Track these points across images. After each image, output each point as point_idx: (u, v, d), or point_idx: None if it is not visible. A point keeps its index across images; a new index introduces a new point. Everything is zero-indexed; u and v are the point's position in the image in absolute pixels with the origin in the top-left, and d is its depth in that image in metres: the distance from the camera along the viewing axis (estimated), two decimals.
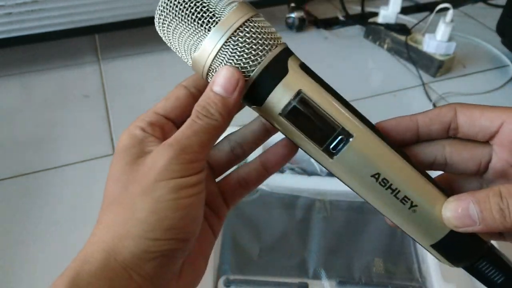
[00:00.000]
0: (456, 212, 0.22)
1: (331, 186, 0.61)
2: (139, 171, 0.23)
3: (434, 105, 0.87)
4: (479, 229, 0.22)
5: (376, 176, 0.23)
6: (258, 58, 0.23)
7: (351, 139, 0.23)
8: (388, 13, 1.04)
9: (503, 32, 1.02)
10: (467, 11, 1.21)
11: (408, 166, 0.24)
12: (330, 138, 0.23)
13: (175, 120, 0.26)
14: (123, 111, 0.86)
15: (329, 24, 1.15)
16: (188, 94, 0.26)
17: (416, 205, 0.23)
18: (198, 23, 0.23)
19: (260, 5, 1.08)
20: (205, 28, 0.23)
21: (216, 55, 0.23)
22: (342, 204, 0.60)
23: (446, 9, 0.91)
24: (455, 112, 0.25)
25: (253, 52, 0.23)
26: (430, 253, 0.26)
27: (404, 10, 1.09)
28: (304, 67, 0.24)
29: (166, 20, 0.24)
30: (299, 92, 0.23)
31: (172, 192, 0.22)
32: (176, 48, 0.25)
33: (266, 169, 0.29)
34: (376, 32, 1.07)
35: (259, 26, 0.23)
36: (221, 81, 0.23)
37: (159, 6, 0.24)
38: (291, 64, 0.23)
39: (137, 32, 1.02)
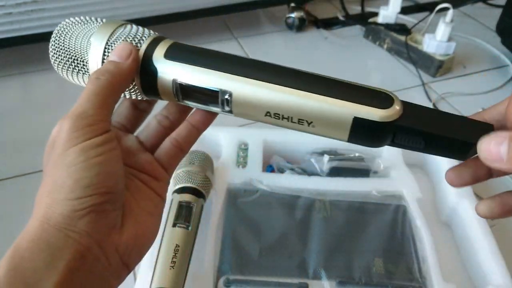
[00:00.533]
0: (488, 144, 0.22)
1: (331, 186, 0.61)
2: (54, 149, 0.25)
3: (434, 105, 0.87)
4: (505, 168, 0.22)
5: (268, 113, 0.27)
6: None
7: (232, 95, 0.27)
8: (388, 13, 1.04)
9: (503, 32, 1.02)
10: (467, 11, 1.21)
11: (292, 91, 0.26)
12: (218, 101, 0.27)
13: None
14: None
15: (329, 24, 1.15)
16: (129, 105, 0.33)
17: (311, 122, 0.27)
18: (79, 72, 0.29)
19: (260, 5, 1.08)
20: (84, 72, 0.29)
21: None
22: (342, 204, 0.60)
23: (446, 9, 0.91)
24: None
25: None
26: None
27: (404, 10, 1.09)
28: (172, 54, 0.28)
29: (57, 67, 0.30)
30: (174, 81, 0.27)
31: (80, 154, 0.24)
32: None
33: (196, 127, 0.31)
34: (376, 32, 1.07)
35: (126, 30, 0.29)
36: (116, 51, 0.27)
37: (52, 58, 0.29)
38: (157, 58, 0.27)
39: None
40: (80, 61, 0.28)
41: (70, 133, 0.24)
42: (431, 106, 0.87)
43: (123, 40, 0.28)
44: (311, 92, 0.26)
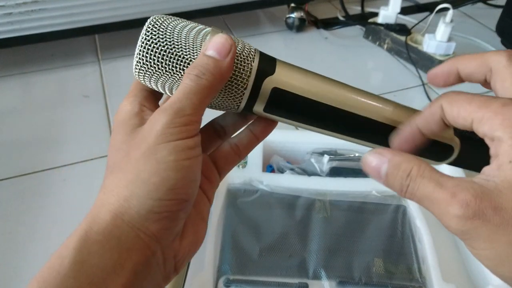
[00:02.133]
0: (372, 163, 0.24)
1: (331, 186, 0.61)
2: (138, 138, 0.24)
3: None
4: (381, 183, 0.24)
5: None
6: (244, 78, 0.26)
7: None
8: (388, 13, 1.04)
9: (503, 32, 1.02)
10: (466, 11, 1.21)
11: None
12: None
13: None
14: None
15: (329, 24, 1.15)
16: None
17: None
18: (178, 72, 0.25)
19: (260, 5, 1.08)
20: (182, 72, 0.25)
21: None
22: (342, 204, 0.60)
23: (446, 9, 0.91)
24: (442, 109, 0.24)
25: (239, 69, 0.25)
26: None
27: (404, 10, 1.09)
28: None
29: (145, 72, 0.26)
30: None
31: (173, 153, 0.23)
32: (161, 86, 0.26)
33: (256, 136, 0.30)
34: (376, 32, 1.07)
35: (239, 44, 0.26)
36: (215, 45, 0.24)
37: (137, 57, 0.25)
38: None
39: (137, 32, 1.01)
40: (184, 60, 0.25)
41: (165, 128, 0.23)
42: None
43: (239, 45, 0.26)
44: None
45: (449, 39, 0.93)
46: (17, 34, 0.89)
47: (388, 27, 1.03)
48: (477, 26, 1.16)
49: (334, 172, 0.64)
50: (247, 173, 0.62)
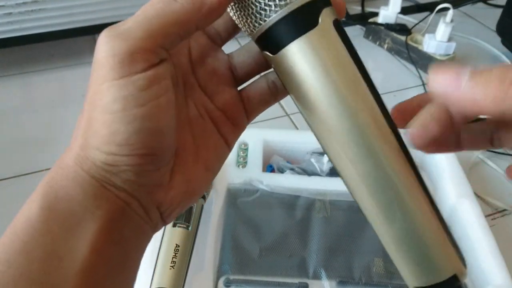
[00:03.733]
0: (444, 78, 0.19)
1: (331, 186, 0.61)
2: (91, 74, 0.20)
3: None
4: (456, 97, 0.18)
5: None
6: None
7: None
8: (388, 13, 1.04)
9: (503, 32, 1.02)
10: (467, 11, 1.21)
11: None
12: None
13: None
14: None
15: None
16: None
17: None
18: None
19: None
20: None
21: None
22: (342, 204, 0.60)
23: (446, 9, 0.91)
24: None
25: None
26: None
27: (404, 10, 1.09)
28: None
29: None
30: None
31: (118, 100, 0.18)
32: None
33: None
34: (376, 32, 1.07)
35: None
36: None
37: None
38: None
39: None
40: None
41: (105, 58, 0.18)
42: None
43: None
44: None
45: (449, 39, 0.93)
46: (17, 34, 0.89)
47: (388, 27, 1.03)
48: (477, 26, 1.16)
49: (334, 172, 0.63)
50: (247, 173, 0.62)
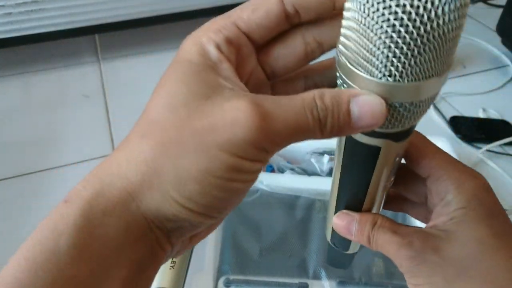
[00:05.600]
0: (342, 222, 0.27)
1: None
2: (207, 116, 0.17)
3: (435, 105, 0.87)
4: (353, 240, 0.27)
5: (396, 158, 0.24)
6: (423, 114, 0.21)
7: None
8: None
9: (503, 32, 1.02)
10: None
11: None
12: (395, 173, 0.26)
13: (256, 41, 0.20)
14: (123, 111, 0.86)
15: None
16: (281, 11, 0.19)
17: None
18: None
19: None
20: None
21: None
22: None
23: None
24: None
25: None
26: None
27: None
28: None
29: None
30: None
31: (230, 170, 0.17)
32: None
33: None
34: None
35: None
36: (366, 107, 0.18)
37: None
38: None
39: (137, 32, 1.02)
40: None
41: (245, 141, 0.17)
42: (431, 106, 0.87)
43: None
44: None
45: None
46: (17, 34, 0.89)
47: None
48: (477, 26, 1.16)
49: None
50: None
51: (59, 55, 1.02)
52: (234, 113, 0.17)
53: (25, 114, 0.87)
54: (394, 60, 0.17)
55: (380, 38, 0.16)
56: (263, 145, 0.17)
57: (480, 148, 0.78)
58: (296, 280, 0.52)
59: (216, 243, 0.55)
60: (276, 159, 0.67)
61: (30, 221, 0.65)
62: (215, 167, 0.17)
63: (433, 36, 0.16)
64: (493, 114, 0.86)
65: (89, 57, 1.03)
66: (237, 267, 0.53)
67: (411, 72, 0.17)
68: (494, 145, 0.78)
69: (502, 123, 0.84)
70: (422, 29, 0.16)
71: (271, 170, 0.67)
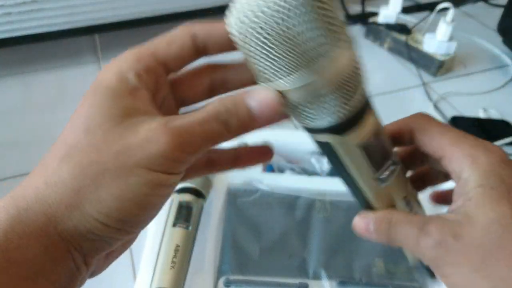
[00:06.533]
0: (360, 224, 0.27)
1: (331, 186, 0.61)
2: (123, 139, 0.19)
3: (435, 105, 0.87)
4: (374, 239, 0.27)
5: (406, 198, 0.27)
6: (355, 103, 0.22)
7: (397, 168, 0.26)
8: (389, 13, 1.04)
9: (504, 32, 1.02)
10: (467, 11, 1.20)
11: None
12: (384, 166, 0.25)
13: (171, 70, 0.22)
14: None
15: None
16: (193, 47, 0.22)
17: None
18: (333, 35, 0.20)
19: None
20: (335, 42, 0.20)
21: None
22: (342, 204, 0.60)
23: (446, 8, 0.91)
24: (412, 133, 0.26)
25: (355, 91, 0.22)
26: None
27: (405, 10, 1.09)
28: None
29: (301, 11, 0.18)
30: (378, 124, 0.24)
31: (147, 185, 0.19)
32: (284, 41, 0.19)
33: (236, 161, 0.26)
34: (376, 32, 1.07)
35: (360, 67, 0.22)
36: (263, 101, 0.20)
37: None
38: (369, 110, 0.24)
39: (137, 32, 1.02)
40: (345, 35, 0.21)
41: (159, 155, 0.19)
42: (431, 106, 0.87)
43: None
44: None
45: (450, 39, 0.93)
46: (17, 34, 0.89)
47: (389, 26, 1.03)
48: (478, 25, 1.16)
49: (335, 172, 0.63)
50: (247, 173, 0.62)
51: (59, 55, 1.02)
52: (147, 133, 0.19)
53: (25, 114, 0.87)
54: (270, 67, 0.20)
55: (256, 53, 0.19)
56: (176, 156, 0.19)
57: None
58: (296, 280, 0.52)
59: (216, 243, 0.55)
60: (276, 159, 0.67)
61: None
62: (134, 183, 0.19)
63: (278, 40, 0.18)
64: (494, 114, 0.86)
65: (89, 57, 1.03)
66: (237, 267, 0.53)
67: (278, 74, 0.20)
68: None
69: (503, 123, 0.84)
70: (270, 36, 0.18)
71: (271, 170, 0.67)
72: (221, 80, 0.24)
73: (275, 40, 0.18)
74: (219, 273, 0.52)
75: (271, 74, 0.20)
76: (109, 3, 0.91)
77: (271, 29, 0.18)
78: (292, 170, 0.65)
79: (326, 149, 0.24)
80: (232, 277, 0.51)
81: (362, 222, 0.27)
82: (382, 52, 1.05)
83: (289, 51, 0.19)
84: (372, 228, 0.26)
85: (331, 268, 0.53)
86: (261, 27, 0.18)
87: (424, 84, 0.93)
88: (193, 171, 0.25)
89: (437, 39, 0.93)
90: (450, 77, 0.96)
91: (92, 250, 0.20)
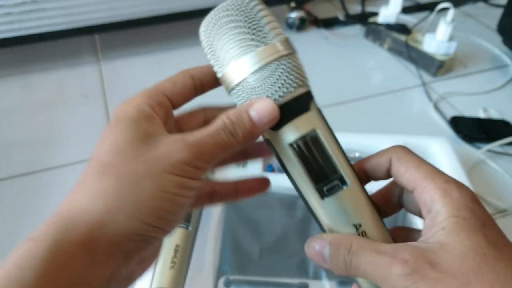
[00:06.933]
0: (314, 248, 0.25)
1: None
2: (149, 153, 0.23)
3: (435, 105, 0.87)
4: (328, 268, 0.25)
5: (358, 226, 0.25)
6: (291, 89, 0.24)
7: (345, 187, 0.25)
8: (389, 13, 1.04)
9: (504, 32, 1.02)
10: (467, 11, 1.20)
11: (379, 218, 0.26)
12: (327, 180, 0.25)
13: (176, 106, 0.27)
14: None
15: (329, 24, 1.15)
16: (193, 85, 0.27)
17: None
18: (251, 38, 0.24)
19: None
20: (254, 45, 0.24)
21: (255, 70, 0.24)
22: None
23: (446, 8, 0.91)
24: (390, 163, 0.26)
25: (287, 82, 0.24)
26: None
27: (405, 10, 1.09)
28: (320, 112, 0.26)
29: (223, 22, 0.25)
30: (313, 130, 0.25)
31: (177, 187, 0.22)
32: (216, 52, 0.26)
33: (237, 193, 0.30)
34: (376, 32, 1.07)
35: (295, 64, 0.25)
36: (261, 110, 0.24)
37: (220, 9, 0.25)
38: (312, 105, 0.25)
39: (137, 32, 1.02)
40: (264, 33, 0.25)
41: (182, 163, 0.22)
42: (431, 106, 0.87)
43: (273, 83, 0.24)
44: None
45: (450, 39, 0.93)
46: (17, 34, 0.89)
47: (389, 26, 1.03)
48: (478, 25, 1.16)
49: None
50: (247, 173, 0.62)
51: (59, 55, 1.02)
52: (168, 147, 0.23)
53: (25, 114, 0.87)
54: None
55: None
56: (195, 163, 0.23)
57: (480, 148, 0.78)
58: (296, 280, 0.52)
59: (216, 243, 0.55)
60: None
61: (30, 221, 0.65)
62: (165, 185, 0.22)
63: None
64: (494, 114, 0.86)
65: (89, 57, 1.03)
66: (237, 267, 0.53)
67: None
68: (494, 145, 0.77)
69: (503, 123, 0.84)
70: None
71: (271, 170, 0.67)
72: (213, 116, 0.27)
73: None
74: (219, 273, 0.52)
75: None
76: (109, 3, 0.91)
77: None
78: None
79: (270, 148, 0.26)
80: (232, 277, 0.51)
81: (315, 245, 0.25)
82: (382, 52, 1.05)
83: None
84: (327, 254, 0.25)
85: None
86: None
87: (424, 84, 0.93)
88: (197, 202, 0.29)
89: (437, 39, 0.93)
90: (450, 77, 0.96)
91: (133, 249, 0.22)
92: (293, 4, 1.11)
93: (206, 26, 0.26)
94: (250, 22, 0.25)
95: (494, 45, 1.05)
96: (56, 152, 0.77)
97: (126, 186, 0.22)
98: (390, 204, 0.28)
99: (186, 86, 0.26)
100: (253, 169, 0.63)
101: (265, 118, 0.24)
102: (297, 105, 0.25)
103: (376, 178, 0.27)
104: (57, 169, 0.74)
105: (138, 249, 0.23)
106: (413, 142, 0.67)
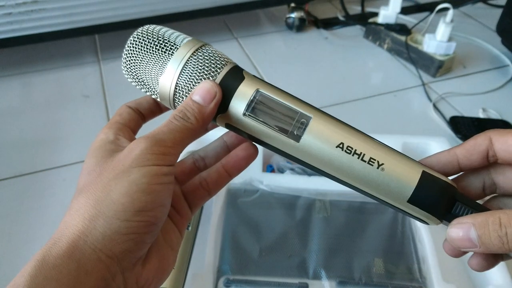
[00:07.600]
0: (458, 235, 0.24)
1: (331, 186, 0.61)
2: (115, 161, 0.25)
3: (434, 105, 0.87)
4: (480, 251, 0.23)
5: (341, 145, 0.26)
6: (218, 70, 0.27)
7: (310, 120, 0.26)
8: (388, 13, 1.04)
9: (503, 32, 1.02)
10: (467, 11, 1.21)
11: (365, 134, 0.27)
12: (292, 123, 0.26)
13: (145, 116, 0.31)
14: None
15: (329, 24, 1.15)
16: (155, 102, 0.31)
17: (383, 163, 0.26)
18: (163, 51, 0.27)
19: (260, 5, 1.08)
20: (168, 53, 0.27)
21: (181, 71, 0.27)
22: (342, 204, 0.60)
23: (446, 9, 0.91)
24: (490, 140, 0.26)
25: (212, 66, 0.27)
26: (411, 215, 0.27)
27: (404, 10, 1.09)
28: (256, 77, 0.28)
29: (135, 54, 0.28)
30: (257, 90, 0.27)
31: (146, 176, 0.23)
32: (144, 81, 0.29)
33: (227, 171, 0.31)
34: (376, 32, 1.07)
35: (211, 50, 0.28)
36: (200, 91, 0.26)
37: (128, 46, 0.28)
38: (246, 73, 0.28)
39: None
40: (171, 42, 0.28)
41: (144, 153, 0.24)
42: (431, 106, 0.87)
43: (200, 73, 0.27)
44: (385, 146, 0.27)
45: (450, 39, 0.93)
46: (17, 34, 0.89)
47: (388, 27, 1.03)
48: (477, 26, 1.16)
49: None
50: (247, 173, 0.62)
51: (59, 55, 1.02)
52: (128, 146, 0.25)
53: (25, 114, 0.87)
54: None
55: None
56: (155, 150, 0.24)
57: None
58: (296, 280, 0.52)
59: (216, 243, 0.55)
60: (276, 159, 0.67)
61: (30, 221, 0.65)
62: (134, 178, 0.23)
63: None
64: (493, 114, 0.86)
65: (89, 57, 1.03)
66: (237, 267, 0.53)
67: None
68: None
69: (502, 123, 0.84)
70: None
71: (271, 170, 0.67)
72: (200, 157, 0.32)
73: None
74: (219, 273, 0.52)
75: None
76: (109, 3, 0.91)
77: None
78: (292, 170, 0.65)
79: (235, 131, 0.28)
80: (232, 277, 0.51)
81: (459, 232, 0.23)
82: (381, 52, 1.06)
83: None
84: (475, 236, 0.23)
85: (331, 268, 0.53)
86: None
87: (423, 84, 0.93)
88: (193, 198, 0.30)
89: (436, 39, 0.94)
90: (450, 77, 0.96)
91: (123, 253, 0.23)
92: (293, 4, 1.11)
93: (125, 66, 0.29)
94: (156, 40, 0.28)
95: (493, 46, 1.05)
96: (56, 152, 0.77)
97: (99, 193, 0.23)
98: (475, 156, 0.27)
99: (148, 102, 0.31)
100: (253, 169, 0.63)
101: (208, 95, 0.26)
102: (231, 79, 0.27)
103: (469, 165, 0.27)
104: (57, 169, 0.74)
105: (128, 251, 0.23)
106: (413, 142, 0.67)
